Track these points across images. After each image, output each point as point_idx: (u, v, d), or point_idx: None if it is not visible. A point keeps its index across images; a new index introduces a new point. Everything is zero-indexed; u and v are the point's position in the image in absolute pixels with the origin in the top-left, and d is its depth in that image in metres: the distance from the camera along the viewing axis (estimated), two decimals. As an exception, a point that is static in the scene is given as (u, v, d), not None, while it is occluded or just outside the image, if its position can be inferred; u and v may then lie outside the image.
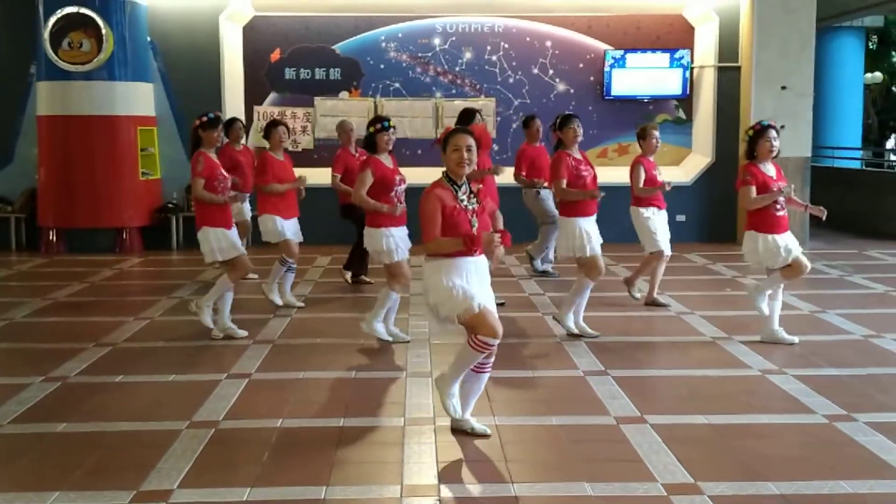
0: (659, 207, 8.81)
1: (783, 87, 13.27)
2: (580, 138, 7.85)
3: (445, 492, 4.51)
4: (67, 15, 12.36)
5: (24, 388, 6.23)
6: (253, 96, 13.80)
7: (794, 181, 13.33)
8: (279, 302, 8.86)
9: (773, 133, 7.26)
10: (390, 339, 7.47)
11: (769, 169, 7.33)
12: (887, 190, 15.24)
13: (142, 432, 5.38)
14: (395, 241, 7.29)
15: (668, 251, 8.84)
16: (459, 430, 5.29)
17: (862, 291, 9.86)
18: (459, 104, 13.61)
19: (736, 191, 7.32)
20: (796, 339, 7.45)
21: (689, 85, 13.91)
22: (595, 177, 7.82)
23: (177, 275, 11.08)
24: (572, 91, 14.06)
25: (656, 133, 8.80)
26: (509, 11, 13.87)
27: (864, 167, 18.61)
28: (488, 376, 5.35)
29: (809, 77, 13.43)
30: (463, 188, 5.16)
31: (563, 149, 7.83)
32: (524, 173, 10.32)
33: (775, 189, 7.23)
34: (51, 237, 12.86)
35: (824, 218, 7.51)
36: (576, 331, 7.66)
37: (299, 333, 7.88)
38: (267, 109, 13.74)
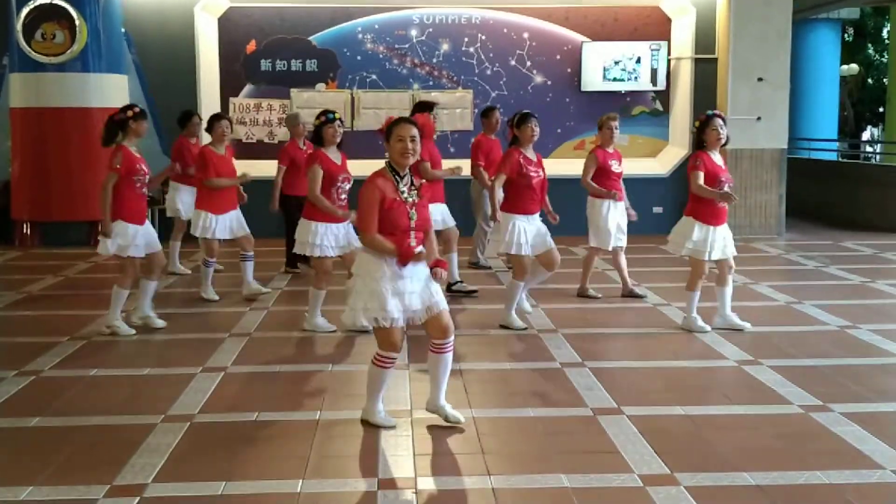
0: (618, 200, 8.79)
1: (760, 79, 13.32)
2: (536, 137, 7.64)
3: (422, 484, 4.50)
4: (40, 6, 12.21)
5: (-3, 382, 6.17)
6: (228, 88, 13.70)
7: (770, 173, 13.49)
8: (214, 297, 8.87)
9: (719, 122, 7.40)
10: (334, 328, 7.55)
11: (717, 157, 7.50)
12: (863, 182, 15.35)
13: (116, 426, 5.34)
14: (322, 237, 7.32)
15: (616, 244, 8.87)
16: (436, 416, 5.34)
17: (838, 282, 9.91)
18: (437, 96, 13.67)
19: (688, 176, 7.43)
20: (749, 325, 7.64)
21: (667, 76, 13.93)
22: (544, 180, 7.68)
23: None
24: (549, 83, 14.06)
25: (613, 124, 8.78)
26: (486, 3, 13.83)
27: (840, 159, 18.74)
28: (451, 356, 5.27)
29: (786, 69, 13.49)
30: (405, 179, 5.10)
31: (517, 146, 7.66)
32: (482, 164, 9.99)
33: (725, 185, 7.41)
34: (25, 230, 12.74)
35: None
36: (523, 325, 7.70)
37: (275, 327, 7.84)
38: (243, 101, 13.66)
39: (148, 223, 7.65)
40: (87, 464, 4.75)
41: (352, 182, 7.42)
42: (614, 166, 8.77)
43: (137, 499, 4.30)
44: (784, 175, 13.59)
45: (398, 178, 5.08)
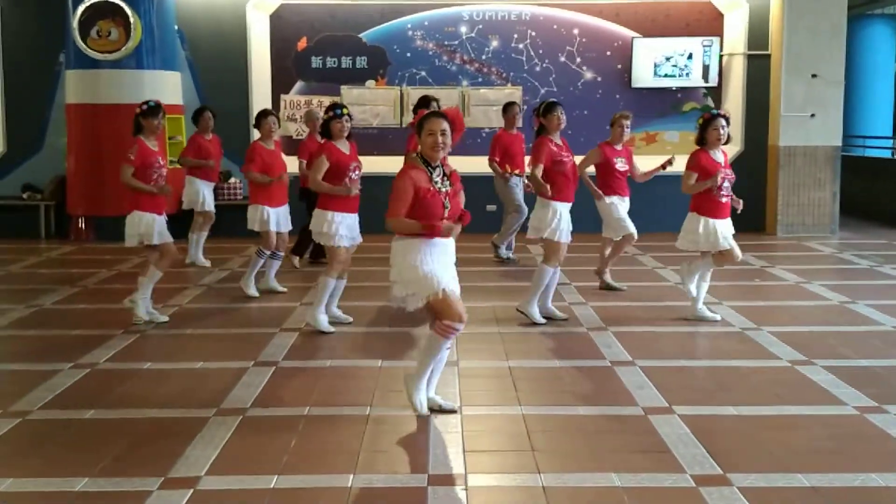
0: (621, 195, 8.95)
1: (813, 76, 13.12)
2: (563, 125, 7.82)
3: (472, 481, 4.50)
4: (96, 4, 12.39)
5: (54, 374, 6.28)
6: (280, 85, 13.80)
7: (823, 170, 13.28)
8: (254, 293, 8.84)
9: (721, 122, 7.53)
10: (333, 329, 7.49)
11: (717, 155, 7.61)
12: (919, 179, 15.05)
13: (170, 419, 5.41)
14: (337, 226, 7.35)
15: (634, 232, 8.99)
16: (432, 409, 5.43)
17: (892, 282, 9.74)
18: (485, 92, 13.68)
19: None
20: (718, 317, 7.77)
21: (718, 73, 13.78)
22: (574, 164, 7.87)
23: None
24: (599, 79, 13.97)
25: (625, 122, 8.92)
26: (536, -1, 13.81)
27: (894, 156, 18.37)
28: (447, 351, 5.41)
29: (840, 65, 13.28)
30: (437, 171, 5.22)
31: (545, 134, 7.79)
32: (497, 160, 10.33)
33: (723, 182, 7.49)
34: (80, 225, 12.95)
35: (739, 210, 7.72)
36: (542, 320, 7.70)
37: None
38: (294, 98, 13.75)
39: (164, 216, 7.85)
40: (142, 456, 4.82)
41: (362, 169, 7.52)
42: (619, 164, 8.89)
43: (191, 491, 4.35)
44: (838, 172, 13.39)
45: (430, 170, 5.19)
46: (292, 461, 4.73)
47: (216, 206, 10.91)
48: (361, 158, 7.66)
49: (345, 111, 7.42)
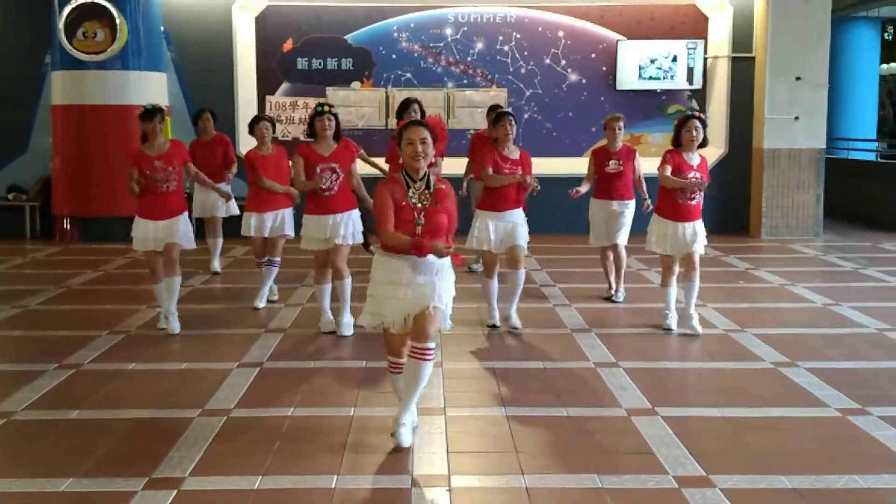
0: (608, 199, 8.73)
1: (798, 78, 13.19)
2: (511, 136, 7.66)
3: (456, 482, 4.51)
4: (82, 4, 12.36)
5: (39, 375, 6.27)
6: (265, 86, 13.78)
7: (807, 173, 13.35)
8: (259, 305, 8.61)
9: (695, 123, 7.43)
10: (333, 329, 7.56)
11: (692, 158, 7.53)
12: (902, 182, 15.15)
13: (154, 420, 5.41)
14: (306, 228, 7.41)
15: (608, 242, 8.84)
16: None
17: (876, 284, 9.80)
18: (471, 94, 13.70)
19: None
20: (675, 331, 7.62)
21: (703, 75, 13.85)
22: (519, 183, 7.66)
23: (190, 263, 11.05)
24: (584, 81, 14.01)
25: (616, 125, 8.69)
26: (522, 1, 13.81)
27: (878, 159, 18.48)
28: (430, 367, 4.99)
29: (824, 67, 13.35)
30: (419, 184, 4.96)
31: (496, 145, 7.74)
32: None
33: (690, 178, 7.43)
34: (65, 225, 12.92)
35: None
36: (496, 323, 7.71)
37: (309, 323, 7.88)
38: (279, 100, 13.74)
39: (170, 220, 7.53)
40: (127, 456, 4.82)
41: (337, 172, 7.34)
42: (610, 166, 8.70)
43: (175, 492, 4.35)
44: (822, 175, 13.46)
45: (410, 182, 4.97)
46: (276, 462, 4.73)
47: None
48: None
49: (325, 108, 7.35)
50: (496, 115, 7.87)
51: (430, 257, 4.88)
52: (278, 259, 8.71)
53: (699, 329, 7.50)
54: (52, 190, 12.99)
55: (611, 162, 8.73)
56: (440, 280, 4.98)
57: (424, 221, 4.92)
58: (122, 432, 5.22)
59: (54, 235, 12.95)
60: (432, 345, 4.96)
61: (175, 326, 7.56)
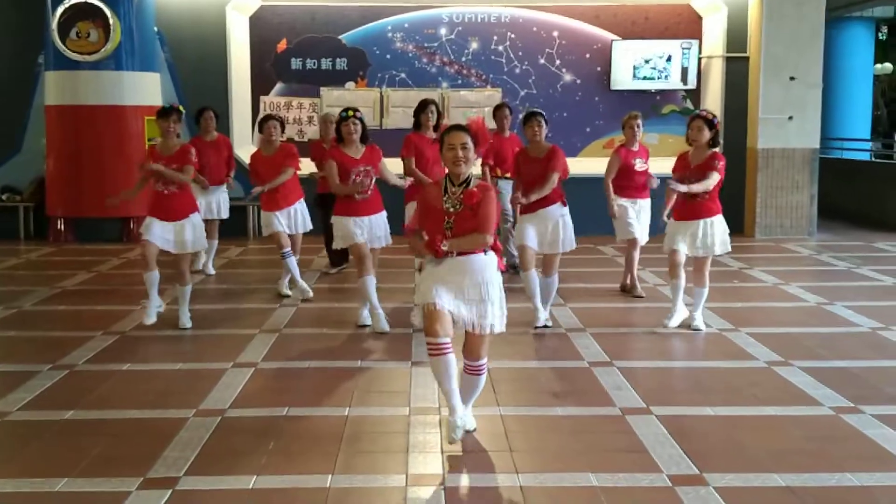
0: (633, 198, 8.83)
1: (792, 78, 13.21)
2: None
3: (451, 481, 4.52)
4: (75, 5, 12.34)
5: (33, 375, 6.26)
6: (259, 87, 13.79)
7: (801, 173, 13.38)
8: (286, 292, 8.98)
9: (698, 122, 7.47)
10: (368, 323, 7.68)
11: (696, 158, 7.57)
12: (896, 182, 15.19)
13: (149, 420, 5.41)
14: (352, 229, 7.46)
15: (636, 235, 8.91)
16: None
17: (870, 283, 9.83)
18: (465, 94, 13.71)
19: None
20: (703, 329, 7.62)
21: (697, 75, 13.87)
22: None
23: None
24: (579, 81, 14.03)
25: (635, 122, 8.79)
26: (516, 1, 13.83)
27: (872, 159, 18.53)
28: (484, 379, 5.12)
29: (818, 67, 13.38)
30: (457, 188, 4.91)
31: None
32: (491, 163, 9.90)
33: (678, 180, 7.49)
34: (59, 226, 12.90)
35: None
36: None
37: (304, 323, 7.89)
38: (273, 100, 13.74)
39: (178, 223, 7.58)
40: (121, 457, 4.82)
41: (371, 175, 7.46)
42: (638, 164, 8.79)
43: (170, 491, 4.35)
44: (816, 175, 13.49)
45: (449, 186, 4.93)
46: (271, 462, 4.74)
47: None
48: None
49: (350, 113, 7.44)
50: (526, 113, 7.73)
51: (462, 260, 4.90)
52: (297, 257, 9.05)
53: (702, 326, 7.58)
54: (46, 190, 12.96)
55: (637, 160, 8.77)
56: (486, 286, 4.92)
57: (454, 225, 4.90)
58: (117, 433, 5.22)
59: (48, 236, 12.93)
60: (485, 360, 5.05)
61: (186, 322, 7.75)
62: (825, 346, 7.12)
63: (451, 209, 4.91)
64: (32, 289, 9.39)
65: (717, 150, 7.55)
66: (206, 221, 10.20)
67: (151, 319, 7.66)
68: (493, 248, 5.00)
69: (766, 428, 5.30)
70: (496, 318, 4.94)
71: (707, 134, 7.45)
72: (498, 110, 10.18)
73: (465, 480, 4.56)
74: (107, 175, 12.49)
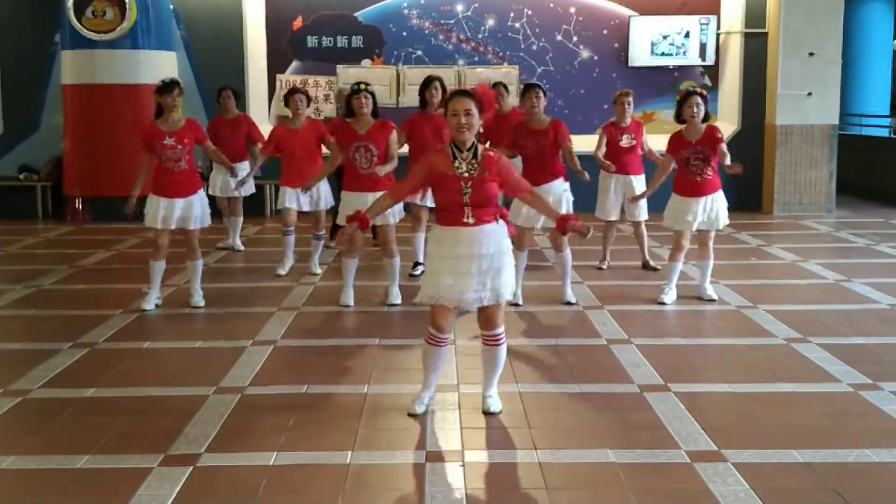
0: (622, 174, 8.92)
1: (811, 54, 13.10)
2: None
3: (469, 457, 4.54)
4: (91, -17, 12.36)
5: (53, 354, 6.31)
6: (275, 64, 13.75)
7: (820, 149, 13.28)
8: (317, 270, 9.06)
9: (696, 99, 7.55)
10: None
11: (694, 135, 7.64)
12: (915, 158, 15.06)
13: (169, 398, 5.45)
14: (356, 207, 7.32)
15: (615, 216, 9.16)
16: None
17: (888, 260, 9.77)
18: (482, 72, 13.63)
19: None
20: (715, 296, 7.84)
21: (716, 51, 13.76)
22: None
23: (201, 242, 11.11)
24: (596, 58, 13.94)
25: (625, 100, 8.92)
26: (533, -23, 13.74)
27: (891, 135, 18.37)
28: (504, 350, 5.12)
29: (838, 44, 13.25)
30: (466, 153, 4.88)
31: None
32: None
33: (687, 156, 7.59)
34: (77, 205, 12.95)
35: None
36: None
37: (323, 301, 7.91)
38: (289, 78, 13.70)
39: (185, 199, 7.56)
40: (142, 434, 4.86)
41: (372, 151, 7.42)
42: (624, 141, 8.92)
43: (191, 468, 4.39)
44: (835, 151, 13.39)
45: (456, 153, 4.89)
46: (291, 438, 4.76)
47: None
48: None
49: (361, 87, 7.44)
50: (525, 86, 7.86)
51: (477, 230, 4.88)
52: (322, 233, 9.05)
53: (714, 295, 7.77)
54: (64, 170, 13.02)
55: (623, 137, 8.85)
56: (500, 255, 4.93)
57: (472, 191, 4.85)
58: (138, 410, 5.26)
59: (66, 215, 12.99)
60: (501, 329, 5.03)
61: (199, 301, 7.77)
62: (843, 322, 7.10)
63: (467, 174, 4.86)
64: (51, 267, 9.45)
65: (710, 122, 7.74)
66: (230, 199, 10.29)
67: (150, 307, 7.63)
68: (502, 215, 5.04)
69: (784, 404, 5.29)
70: (508, 286, 4.98)
71: (704, 110, 7.57)
72: (528, 90, 10.02)
73: (483, 456, 4.57)
74: (124, 154, 12.46)
